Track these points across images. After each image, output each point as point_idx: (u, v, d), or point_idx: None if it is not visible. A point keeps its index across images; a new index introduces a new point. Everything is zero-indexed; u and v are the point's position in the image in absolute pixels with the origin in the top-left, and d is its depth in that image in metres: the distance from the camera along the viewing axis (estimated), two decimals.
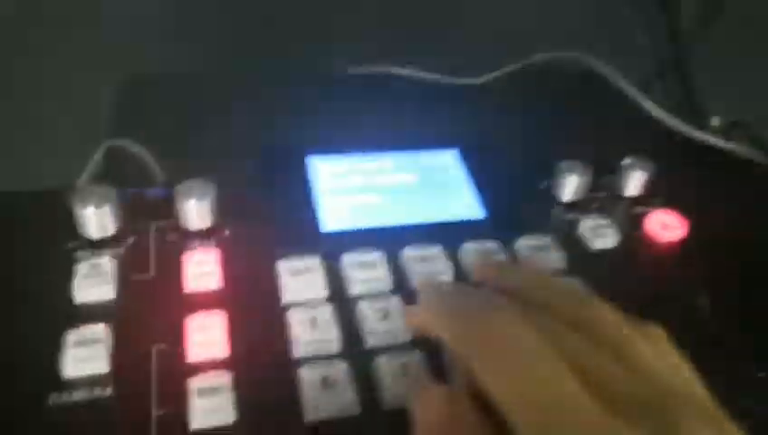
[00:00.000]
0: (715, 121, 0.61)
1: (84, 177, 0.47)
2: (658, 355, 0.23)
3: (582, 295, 0.26)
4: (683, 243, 0.39)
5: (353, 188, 0.38)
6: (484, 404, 0.22)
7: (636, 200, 0.42)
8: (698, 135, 0.54)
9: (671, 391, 0.21)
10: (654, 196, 0.42)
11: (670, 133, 0.55)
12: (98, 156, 0.48)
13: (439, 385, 0.25)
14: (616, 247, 0.38)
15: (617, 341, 0.23)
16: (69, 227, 0.33)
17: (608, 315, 0.24)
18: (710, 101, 0.61)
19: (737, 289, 0.36)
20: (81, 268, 0.31)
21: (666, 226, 0.39)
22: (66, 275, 0.30)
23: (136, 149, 0.47)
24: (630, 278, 0.36)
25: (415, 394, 0.24)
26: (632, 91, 0.58)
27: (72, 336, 0.27)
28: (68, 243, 0.32)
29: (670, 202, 0.42)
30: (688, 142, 0.54)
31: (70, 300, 0.30)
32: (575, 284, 0.34)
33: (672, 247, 0.39)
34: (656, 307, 0.26)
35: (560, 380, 0.20)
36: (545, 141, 0.49)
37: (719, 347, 0.32)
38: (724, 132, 0.58)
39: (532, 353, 0.21)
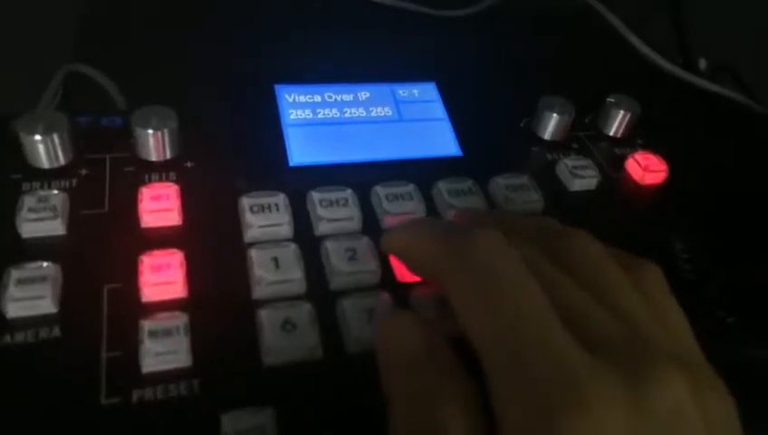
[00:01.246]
0: (702, 64, 0.59)
1: (42, 104, 0.45)
2: (645, 295, 0.22)
3: (570, 230, 0.25)
4: (663, 186, 0.38)
5: (324, 120, 0.36)
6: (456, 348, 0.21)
7: (618, 141, 0.40)
8: (685, 76, 0.53)
9: (650, 335, 0.20)
10: (637, 136, 0.41)
11: (657, 73, 0.53)
12: (56, 81, 0.45)
13: (408, 311, 0.24)
14: (595, 189, 0.37)
15: (600, 278, 0.22)
16: (16, 155, 0.30)
17: (594, 250, 0.23)
18: (699, 43, 0.60)
19: (714, 234, 0.35)
20: (28, 201, 0.28)
21: (647, 168, 0.37)
22: (11, 208, 0.28)
23: (97, 74, 0.44)
24: (608, 221, 0.35)
25: (381, 321, 0.23)
26: (621, 27, 0.56)
27: (16, 273, 0.26)
28: (14, 173, 0.30)
29: (653, 144, 0.40)
30: (674, 83, 0.53)
31: (15, 235, 0.28)
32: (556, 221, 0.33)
33: (652, 190, 0.38)
34: (632, 251, 0.25)
35: (540, 314, 0.19)
36: (527, 77, 0.47)
37: (692, 292, 0.32)
38: (711, 75, 0.57)
39: (515, 283, 0.20)
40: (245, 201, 0.30)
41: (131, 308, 0.26)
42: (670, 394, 0.18)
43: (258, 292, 0.27)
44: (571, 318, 0.20)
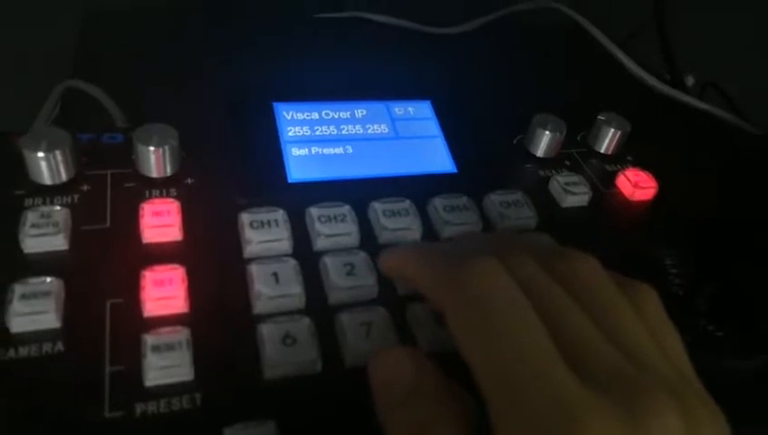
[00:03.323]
0: (690, 81, 0.60)
1: (40, 118, 0.45)
2: (642, 319, 0.23)
3: (572, 252, 0.25)
4: (653, 202, 0.39)
5: (321, 137, 0.37)
6: (452, 362, 0.22)
7: (609, 158, 0.41)
8: (673, 93, 0.54)
9: (645, 363, 0.21)
10: (627, 154, 0.42)
11: (645, 90, 0.54)
12: (54, 96, 0.45)
13: (399, 345, 0.25)
14: (587, 205, 0.37)
15: (601, 303, 0.22)
16: (19, 171, 0.31)
17: (596, 272, 0.24)
18: (687, 60, 0.61)
19: (703, 249, 0.36)
20: (31, 216, 0.29)
21: (637, 184, 0.38)
22: (14, 224, 0.29)
23: (95, 90, 0.45)
24: (599, 236, 0.36)
25: (373, 356, 0.24)
26: (610, 45, 0.57)
27: (19, 289, 0.26)
28: (17, 189, 0.31)
29: (643, 161, 0.41)
30: (663, 100, 0.54)
31: (18, 250, 0.28)
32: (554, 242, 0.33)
33: (642, 206, 0.38)
34: (623, 266, 0.26)
35: (537, 346, 0.20)
36: (520, 94, 0.48)
37: (681, 306, 0.32)
38: (699, 92, 0.58)
39: (512, 314, 0.21)
40: (245, 217, 0.31)
41: (134, 323, 0.26)
42: (664, 426, 0.19)
43: (258, 307, 0.28)
44: (569, 345, 0.20)
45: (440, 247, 0.30)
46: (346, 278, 0.29)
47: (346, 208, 0.32)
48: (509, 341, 0.20)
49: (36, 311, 0.25)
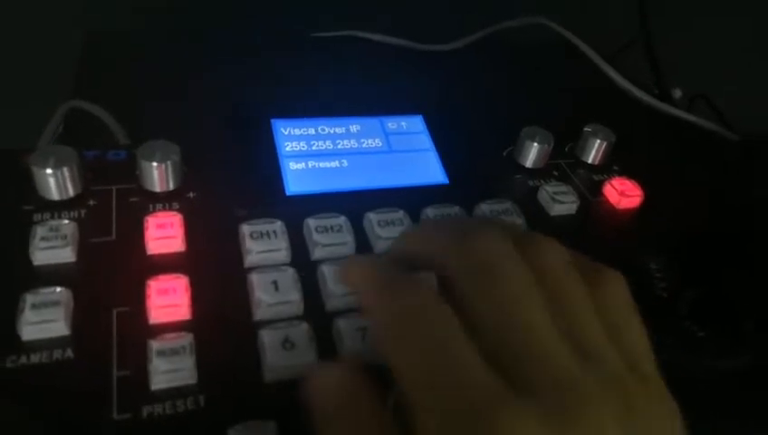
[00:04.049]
0: (677, 94, 0.62)
1: (44, 137, 0.46)
2: (603, 312, 0.23)
3: (539, 236, 0.25)
4: (638, 209, 0.40)
5: (318, 151, 0.38)
6: None
7: (595, 167, 0.43)
8: (660, 106, 0.56)
9: (597, 360, 0.21)
10: (613, 164, 0.43)
11: (633, 103, 0.56)
12: (58, 116, 0.47)
13: (333, 363, 0.24)
14: (575, 213, 0.39)
15: (560, 287, 0.23)
16: (28, 188, 0.32)
17: (559, 258, 0.24)
18: (674, 74, 0.62)
19: (687, 254, 0.37)
20: (40, 230, 0.30)
21: (623, 193, 0.40)
22: (25, 237, 0.30)
23: (97, 110, 0.46)
24: (586, 243, 0.37)
25: (311, 371, 0.24)
26: (597, 60, 0.59)
27: (30, 298, 0.27)
28: (26, 204, 0.32)
29: (628, 170, 0.43)
30: (650, 113, 0.55)
31: (28, 262, 0.29)
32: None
33: (628, 214, 0.40)
34: None
35: (457, 350, 0.20)
36: (510, 108, 0.49)
37: (665, 308, 0.34)
38: (686, 104, 0.60)
39: (432, 324, 0.21)
40: (245, 228, 0.32)
41: (139, 329, 0.28)
42: (589, 428, 0.19)
43: (259, 313, 0.29)
44: (494, 346, 0.20)
45: (383, 263, 0.29)
46: (342, 286, 0.31)
47: (342, 219, 0.34)
48: (423, 349, 0.21)
49: (46, 319, 0.27)
